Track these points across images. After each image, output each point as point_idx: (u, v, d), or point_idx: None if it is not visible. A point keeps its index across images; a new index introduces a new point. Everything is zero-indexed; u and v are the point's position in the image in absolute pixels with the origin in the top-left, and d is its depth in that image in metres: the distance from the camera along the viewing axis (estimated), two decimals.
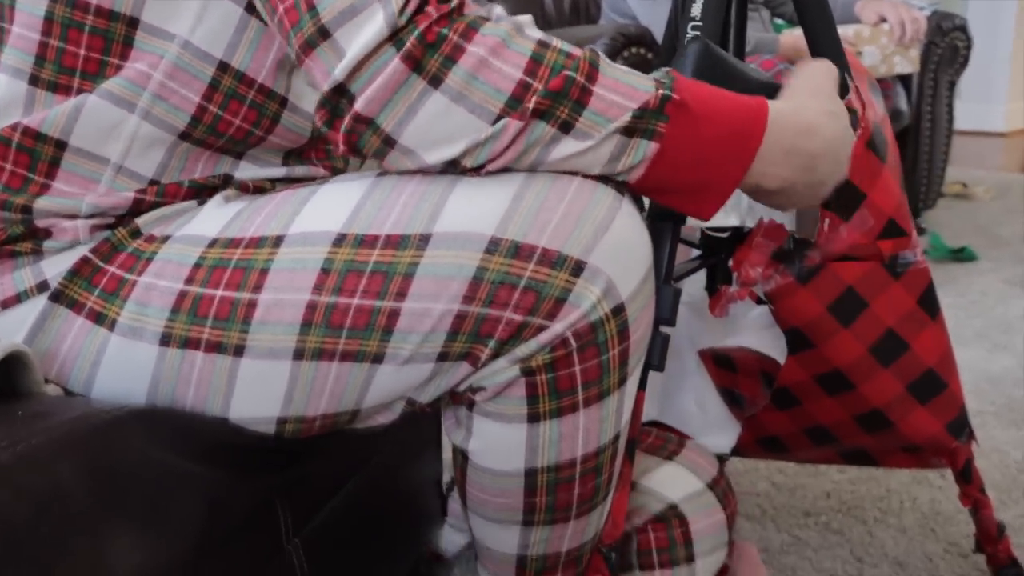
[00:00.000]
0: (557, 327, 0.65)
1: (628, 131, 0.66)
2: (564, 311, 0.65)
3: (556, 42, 0.65)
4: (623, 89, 0.65)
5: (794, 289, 0.95)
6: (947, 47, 2.74)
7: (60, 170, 0.72)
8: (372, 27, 0.61)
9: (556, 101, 0.64)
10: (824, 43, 0.96)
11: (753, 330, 1.08)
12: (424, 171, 0.67)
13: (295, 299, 0.66)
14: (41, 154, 0.71)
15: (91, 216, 0.72)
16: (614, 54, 2.18)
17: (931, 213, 3.14)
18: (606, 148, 0.66)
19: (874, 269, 0.95)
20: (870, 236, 0.93)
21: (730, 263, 0.96)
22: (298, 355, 0.66)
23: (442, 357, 0.66)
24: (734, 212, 0.93)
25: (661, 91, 0.66)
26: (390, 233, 0.65)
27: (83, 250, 0.71)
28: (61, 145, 0.72)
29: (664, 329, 0.89)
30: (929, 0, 2.90)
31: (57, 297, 0.70)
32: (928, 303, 0.99)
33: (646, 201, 0.92)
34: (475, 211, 0.65)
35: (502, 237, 0.64)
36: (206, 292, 0.67)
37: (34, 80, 0.72)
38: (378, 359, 0.66)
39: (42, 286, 0.71)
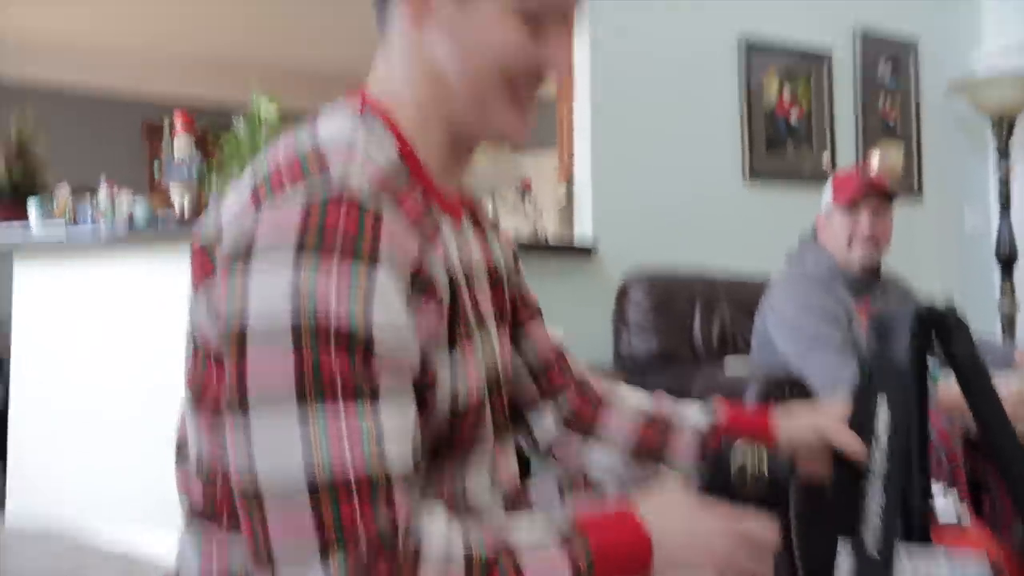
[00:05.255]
0: None
1: None
2: None
3: (475, 553, 0.74)
4: (547, 566, 0.75)
5: None
6: None
7: None
8: None
9: None
10: (997, 433, 0.92)
11: None
12: None
13: None
14: None
15: None
16: (764, 399, 2.16)
17: None
18: None
19: None
20: None
21: None
22: None
23: None
24: None
25: (583, 563, 0.76)
26: None
27: None
28: None
29: None
30: None
31: None
32: None
33: None
34: None
35: None
36: None
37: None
38: None
39: None
